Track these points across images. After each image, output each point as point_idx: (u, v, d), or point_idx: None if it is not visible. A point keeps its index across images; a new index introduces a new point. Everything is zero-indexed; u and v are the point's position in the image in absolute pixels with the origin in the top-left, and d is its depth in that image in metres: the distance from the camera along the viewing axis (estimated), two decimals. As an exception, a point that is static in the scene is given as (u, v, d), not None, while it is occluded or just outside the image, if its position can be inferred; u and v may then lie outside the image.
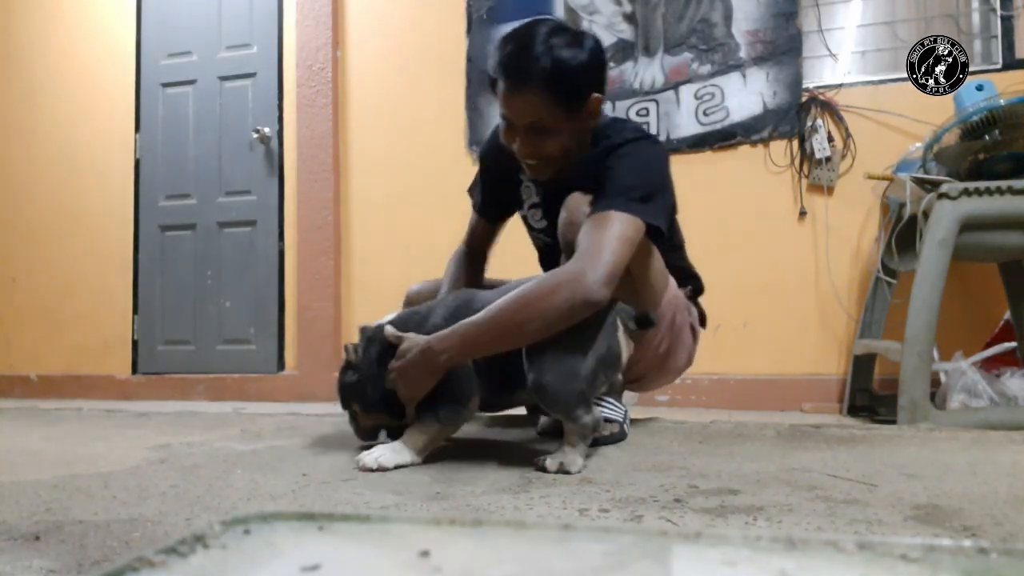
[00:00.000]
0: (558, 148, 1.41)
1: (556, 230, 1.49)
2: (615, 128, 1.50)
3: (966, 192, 1.99)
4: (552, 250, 1.60)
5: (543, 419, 1.71)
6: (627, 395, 1.77)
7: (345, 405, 1.52)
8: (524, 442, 1.59)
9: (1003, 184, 1.98)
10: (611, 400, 1.62)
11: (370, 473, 1.26)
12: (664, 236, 1.43)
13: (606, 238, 1.29)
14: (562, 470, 1.23)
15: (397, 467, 1.30)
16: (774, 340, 2.76)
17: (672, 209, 1.52)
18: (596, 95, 1.40)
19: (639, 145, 1.43)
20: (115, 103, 3.71)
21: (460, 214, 1.86)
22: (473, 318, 1.30)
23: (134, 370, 3.62)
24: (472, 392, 1.37)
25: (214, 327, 3.53)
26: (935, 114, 2.36)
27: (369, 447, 1.39)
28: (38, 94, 3.86)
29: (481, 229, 1.78)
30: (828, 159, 2.70)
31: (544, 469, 1.25)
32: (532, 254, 1.76)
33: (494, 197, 1.74)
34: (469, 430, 1.80)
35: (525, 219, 1.72)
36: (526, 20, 1.44)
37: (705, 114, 2.85)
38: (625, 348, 1.37)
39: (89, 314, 3.69)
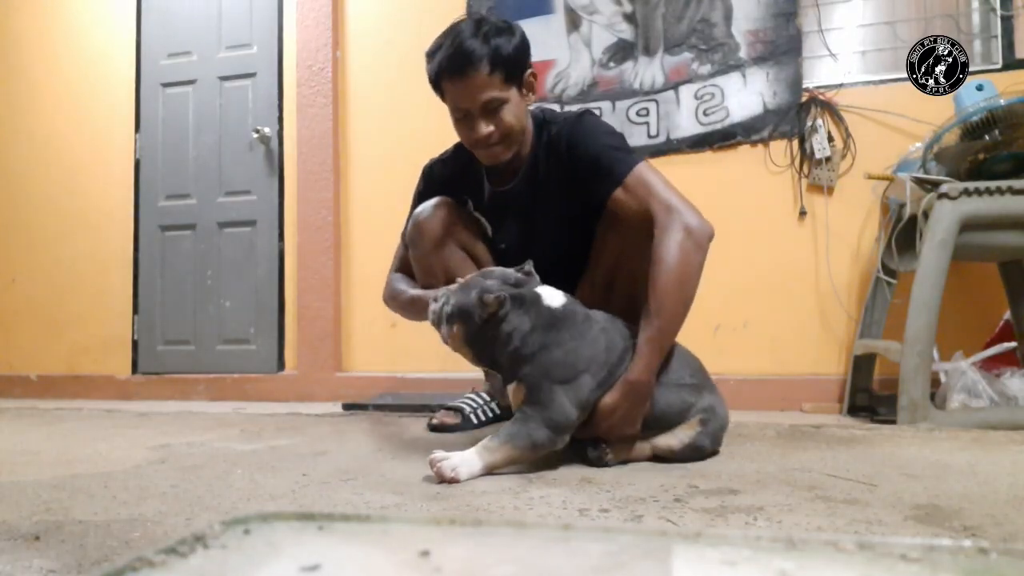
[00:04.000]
0: (513, 118, 1.52)
1: (504, 240, 1.68)
2: (547, 114, 1.64)
3: (966, 192, 1.99)
4: (501, 259, 1.70)
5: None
6: None
7: (453, 319, 1.35)
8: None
9: (1003, 184, 1.98)
10: None
11: (371, 474, 1.26)
12: None
13: (660, 189, 1.43)
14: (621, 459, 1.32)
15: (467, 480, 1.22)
16: (774, 340, 2.76)
17: None
18: (531, 71, 1.56)
19: (584, 120, 1.57)
20: (115, 103, 3.71)
21: (460, 214, 1.86)
22: (649, 331, 1.34)
23: (134, 370, 3.62)
24: (573, 417, 1.29)
25: (214, 327, 3.53)
26: (935, 114, 2.36)
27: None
28: (38, 94, 3.86)
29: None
30: (828, 159, 2.70)
31: (605, 462, 1.30)
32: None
33: None
34: (468, 432, 1.79)
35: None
36: (451, 24, 1.58)
37: (705, 114, 2.85)
38: None
39: (89, 314, 3.69)
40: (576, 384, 1.30)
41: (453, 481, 1.18)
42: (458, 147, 1.75)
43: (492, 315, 1.30)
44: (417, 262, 1.73)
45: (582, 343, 1.33)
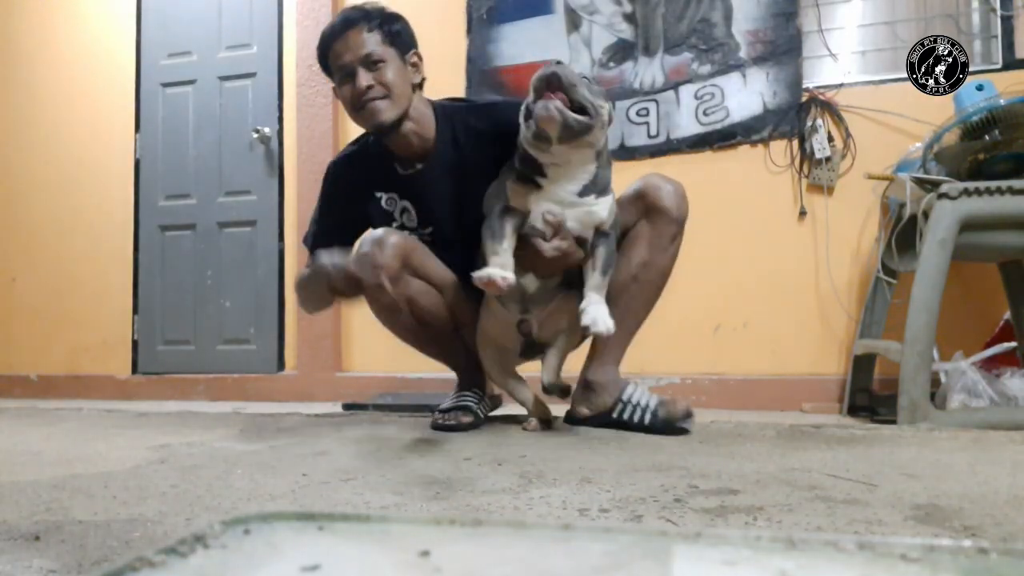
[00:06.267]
0: (394, 76, 1.61)
1: (430, 223, 1.70)
2: (449, 105, 1.73)
3: (966, 192, 1.99)
4: (431, 244, 1.74)
5: (533, 421, 1.74)
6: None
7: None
8: (523, 442, 1.59)
9: (1003, 184, 1.98)
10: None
11: (371, 474, 1.25)
12: None
13: None
14: (607, 328, 1.40)
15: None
16: (774, 340, 2.76)
17: None
18: (416, 52, 1.68)
19: (502, 108, 1.66)
20: (115, 103, 3.71)
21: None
22: None
23: (134, 370, 3.62)
24: None
25: (214, 327, 3.53)
26: (935, 114, 2.36)
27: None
28: (38, 94, 3.86)
29: None
30: (828, 159, 2.70)
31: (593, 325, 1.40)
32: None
33: (346, 225, 1.79)
34: (467, 433, 1.79)
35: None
36: None
37: (705, 114, 2.85)
38: None
39: (89, 314, 3.69)
40: None
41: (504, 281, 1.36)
42: (362, 138, 1.81)
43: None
44: (377, 303, 1.74)
45: None
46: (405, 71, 1.65)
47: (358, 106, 1.62)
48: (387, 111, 1.61)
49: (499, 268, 1.38)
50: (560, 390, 1.66)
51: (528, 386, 1.76)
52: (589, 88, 1.40)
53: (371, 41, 1.60)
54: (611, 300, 1.65)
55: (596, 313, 1.40)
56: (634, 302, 1.68)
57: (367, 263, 1.48)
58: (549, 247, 1.45)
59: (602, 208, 1.47)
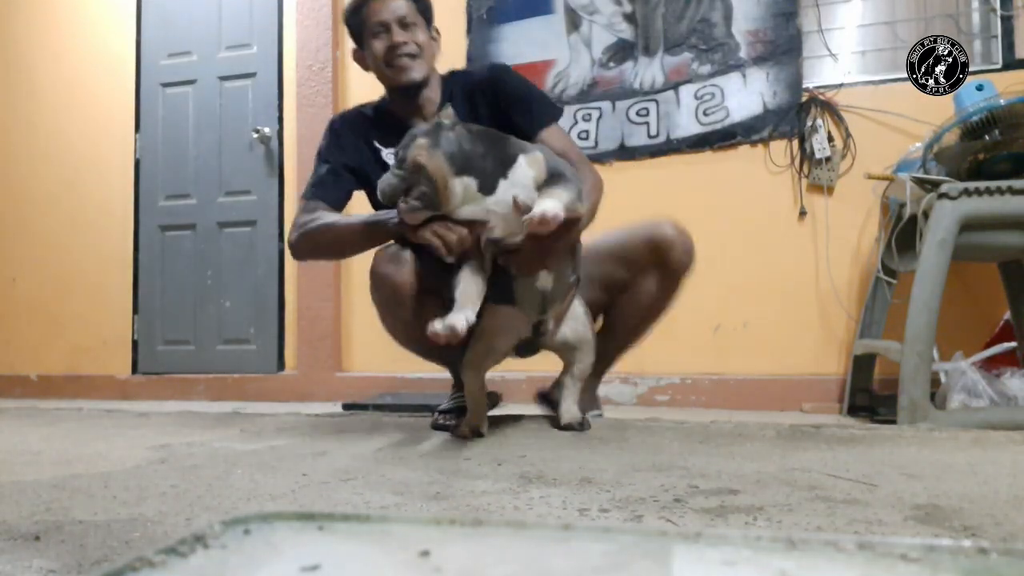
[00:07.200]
0: (425, 39, 1.74)
1: None
2: (456, 72, 1.85)
3: (966, 192, 1.99)
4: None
5: (467, 429, 1.65)
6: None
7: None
8: (523, 442, 1.59)
9: (1003, 184, 1.98)
10: None
11: (371, 474, 1.25)
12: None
13: (573, 144, 1.79)
14: (553, 211, 1.31)
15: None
16: (774, 340, 2.76)
17: None
18: (436, 28, 1.80)
19: (507, 67, 1.85)
20: (115, 103, 3.71)
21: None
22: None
23: (134, 370, 3.62)
24: None
25: (214, 327, 3.53)
26: (935, 114, 2.36)
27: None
28: (38, 94, 3.86)
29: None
30: (828, 159, 2.70)
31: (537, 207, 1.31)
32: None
33: (347, 180, 1.81)
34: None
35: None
36: None
37: (705, 114, 2.85)
38: None
39: (89, 314, 3.70)
40: None
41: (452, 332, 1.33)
42: (366, 104, 1.89)
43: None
44: (394, 319, 1.74)
45: None
46: (430, 41, 1.77)
47: (391, 60, 1.70)
48: (418, 69, 1.70)
49: (447, 319, 1.31)
50: (579, 425, 1.68)
51: (486, 400, 1.72)
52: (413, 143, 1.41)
53: (407, 7, 1.72)
54: (616, 334, 1.84)
55: (538, 207, 1.29)
56: (634, 334, 1.86)
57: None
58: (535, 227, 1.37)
59: (522, 171, 1.40)
